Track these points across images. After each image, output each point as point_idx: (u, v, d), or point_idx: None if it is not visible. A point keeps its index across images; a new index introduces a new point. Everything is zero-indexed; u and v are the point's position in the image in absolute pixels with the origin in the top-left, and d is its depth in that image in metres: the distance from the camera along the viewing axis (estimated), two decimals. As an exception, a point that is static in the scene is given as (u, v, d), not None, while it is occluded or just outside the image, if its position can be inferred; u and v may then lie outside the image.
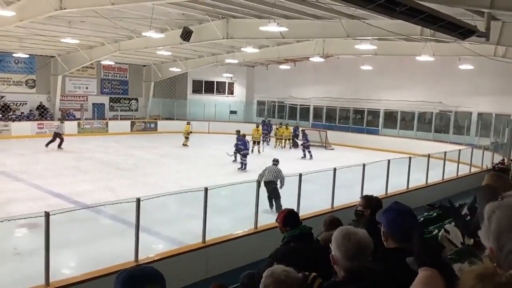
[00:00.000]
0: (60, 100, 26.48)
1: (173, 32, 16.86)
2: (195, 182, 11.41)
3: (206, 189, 7.12)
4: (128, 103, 30.81)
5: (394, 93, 25.26)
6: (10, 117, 24.18)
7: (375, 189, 8.84)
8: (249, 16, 15.13)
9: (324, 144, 24.39)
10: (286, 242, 3.44)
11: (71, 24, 16.84)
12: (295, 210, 3.87)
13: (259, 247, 6.45)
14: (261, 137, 21.90)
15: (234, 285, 4.07)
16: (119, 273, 1.71)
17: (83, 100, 28.34)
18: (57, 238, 5.93)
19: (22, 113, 25.20)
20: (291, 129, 24.30)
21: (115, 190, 12.09)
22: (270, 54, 23.02)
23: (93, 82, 28.82)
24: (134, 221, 6.41)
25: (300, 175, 8.96)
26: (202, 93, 31.98)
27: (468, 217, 3.38)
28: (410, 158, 12.31)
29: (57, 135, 19.79)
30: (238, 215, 9.65)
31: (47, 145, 19.38)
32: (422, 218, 7.01)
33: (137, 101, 31.19)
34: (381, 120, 26.56)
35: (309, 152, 20.41)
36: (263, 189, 9.51)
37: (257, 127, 21.80)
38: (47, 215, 5.44)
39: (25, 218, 5.68)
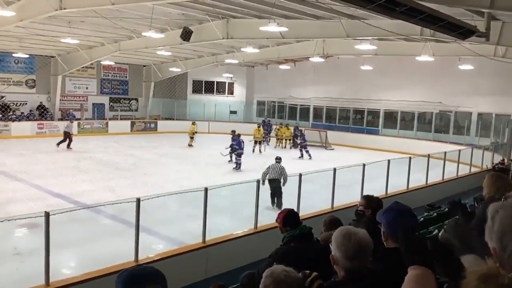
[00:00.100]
0: (60, 100, 26.48)
1: (173, 32, 16.86)
2: (195, 182, 11.42)
3: (206, 189, 7.12)
4: (128, 103, 30.81)
5: (394, 93, 25.26)
6: (10, 117, 24.18)
7: (375, 189, 8.82)
8: (249, 16, 15.13)
9: (324, 144, 24.39)
10: (286, 242, 3.44)
11: (71, 24, 16.84)
12: (295, 210, 3.87)
13: (259, 247, 6.46)
14: (262, 137, 22.07)
15: (234, 285, 4.07)
16: (120, 272, 1.71)
17: (83, 100, 28.34)
18: (57, 238, 5.92)
19: (22, 113, 25.20)
20: (291, 129, 24.32)
21: (115, 190, 12.10)
22: (270, 54, 23.02)
23: (93, 82, 28.83)
24: (134, 221, 6.41)
25: (300, 175, 8.96)
26: (202, 93, 31.98)
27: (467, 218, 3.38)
28: (410, 158, 12.30)
29: (67, 135, 19.84)
30: (238, 215, 9.66)
31: (58, 144, 19.45)
32: (422, 218, 7.02)
33: (137, 101, 31.19)
34: (381, 120, 26.56)
35: (307, 151, 20.42)
36: (263, 188, 9.50)
37: (259, 127, 22.13)
38: (47, 215, 5.44)
39: (25, 218, 5.69)
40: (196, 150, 21.50)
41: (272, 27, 13.19)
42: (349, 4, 8.04)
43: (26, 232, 8.50)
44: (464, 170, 15.33)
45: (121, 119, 28.70)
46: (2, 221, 5.37)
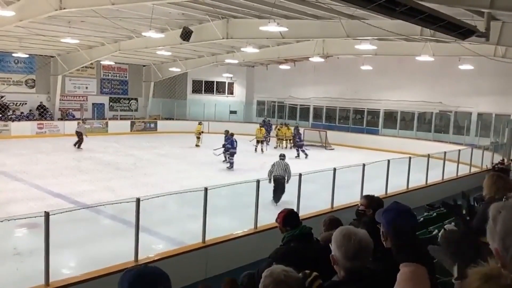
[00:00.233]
0: (60, 100, 26.47)
1: (173, 32, 16.86)
2: (195, 182, 11.41)
3: (206, 189, 7.12)
4: (128, 103, 30.80)
5: (394, 93, 25.26)
6: (9, 117, 24.17)
7: (375, 189, 8.81)
8: (249, 16, 15.13)
9: (324, 144, 24.39)
10: (286, 242, 3.44)
11: (71, 24, 16.83)
12: (295, 210, 3.87)
13: (259, 247, 6.46)
14: (264, 137, 22.22)
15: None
16: (126, 271, 1.68)
17: (83, 100, 28.33)
18: (57, 238, 5.92)
19: (22, 113, 25.18)
20: (292, 129, 24.30)
21: (115, 190, 12.10)
22: (270, 54, 23.02)
23: (93, 82, 28.81)
24: (134, 221, 6.40)
25: (300, 175, 8.96)
26: (202, 93, 31.97)
27: (467, 218, 3.38)
28: (410, 158, 12.31)
29: (80, 134, 19.95)
30: (238, 215, 9.65)
31: (75, 145, 19.91)
32: (421, 218, 7.02)
33: (137, 101, 31.18)
34: (381, 120, 26.56)
35: (303, 151, 20.46)
36: (263, 188, 9.50)
37: (260, 127, 22.41)
38: (47, 215, 5.44)
39: (25, 218, 5.68)
40: (196, 150, 21.51)
41: (272, 27, 13.19)
42: (349, 4, 8.04)
43: (26, 232, 8.51)
44: (464, 170, 15.32)
45: (121, 119, 28.70)
46: (2, 221, 5.36)
